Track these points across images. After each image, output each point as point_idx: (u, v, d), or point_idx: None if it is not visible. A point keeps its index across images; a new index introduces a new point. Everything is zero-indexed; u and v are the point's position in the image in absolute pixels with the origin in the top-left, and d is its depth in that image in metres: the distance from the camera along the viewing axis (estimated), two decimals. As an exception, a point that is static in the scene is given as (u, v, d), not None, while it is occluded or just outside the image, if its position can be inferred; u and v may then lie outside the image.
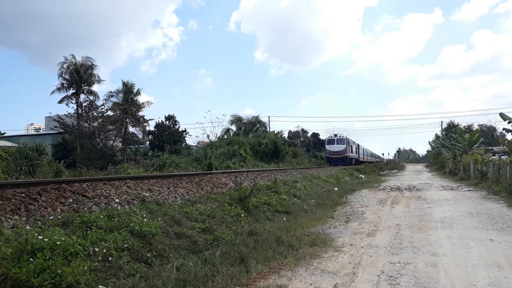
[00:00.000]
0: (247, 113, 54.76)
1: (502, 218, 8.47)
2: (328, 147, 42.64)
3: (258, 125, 47.58)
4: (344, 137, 42.79)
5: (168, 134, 41.40)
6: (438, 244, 6.21)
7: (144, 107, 36.78)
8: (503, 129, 20.50)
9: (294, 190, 12.99)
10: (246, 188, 9.36)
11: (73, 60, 35.15)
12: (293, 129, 72.87)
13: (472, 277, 4.58)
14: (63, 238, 4.09)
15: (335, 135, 43.17)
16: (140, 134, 33.45)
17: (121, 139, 28.86)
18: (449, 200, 12.31)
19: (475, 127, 64.26)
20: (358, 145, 53.55)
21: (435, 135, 57.91)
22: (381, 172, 37.49)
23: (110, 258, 4.32)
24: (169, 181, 9.16)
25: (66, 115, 28.84)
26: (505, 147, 22.54)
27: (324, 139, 48.27)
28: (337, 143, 41.67)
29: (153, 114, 57.25)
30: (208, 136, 38.87)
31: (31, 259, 3.62)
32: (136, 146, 32.92)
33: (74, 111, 29.98)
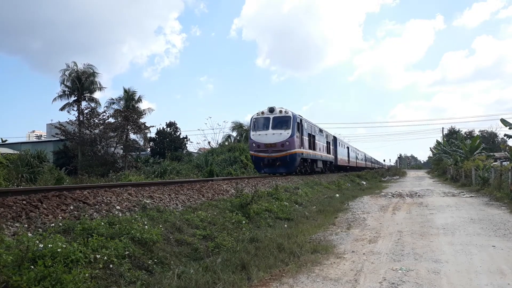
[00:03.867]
0: (248, 119, 47.08)
1: (504, 225, 8.43)
2: (254, 135, 20.02)
3: (259, 132, 47.30)
4: (291, 114, 19.92)
5: (169, 141, 41.47)
6: (440, 251, 6.18)
7: (145, 114, 36.94)
8: (505, 135, 20.52)
9: (295, 197, 12.96)
10: (247, 195, 9.35)
11: (74, 67, 35.33)
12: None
13: (475, 284, 4.55)
14: (64, 246, 4.08)
15: (271, 110, 20.03)
16: (141, 141, 33.54)
17: (122, 146, 28.92)
18: (451, 206, 12.26)
19: (476, 133, 64.29)
20: (336, 139, 33.82)
21: (436, 142, 57.81)
22: (382, 179, 37.40)
23: (111, 266, 4.30)
24: (170, 188, 9.15)
25: (67, 122, 28.94)
26: (506, 153, 22.49)
27: (250, 119, 21.50)
28: (275, 127, 19.69)
29: (154, 121, 57.33)
30: (209, 142, 38.88)
31: (32, 267, 3.61)
32: (137, 153, 32.98)
33: (75, 118, 30.08)
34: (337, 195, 16.33)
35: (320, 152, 25.56)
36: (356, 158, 49.21)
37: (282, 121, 19.26)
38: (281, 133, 18.85)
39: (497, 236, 7.30)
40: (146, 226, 5.60)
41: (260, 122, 19.73)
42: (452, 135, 60.13)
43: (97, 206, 6.21)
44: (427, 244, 6.71)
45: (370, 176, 36.70)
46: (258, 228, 7.93)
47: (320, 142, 25.76)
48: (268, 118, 19.48)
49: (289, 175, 21.57)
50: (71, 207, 5.81)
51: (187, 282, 4.42)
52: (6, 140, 33.97)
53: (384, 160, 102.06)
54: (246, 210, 8.56)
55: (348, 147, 42.13)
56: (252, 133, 19.76)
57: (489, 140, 62.76)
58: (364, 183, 27.58)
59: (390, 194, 17.43)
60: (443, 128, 66.41)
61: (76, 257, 4.01)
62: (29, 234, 4.34)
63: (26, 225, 4.80)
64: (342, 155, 36.73)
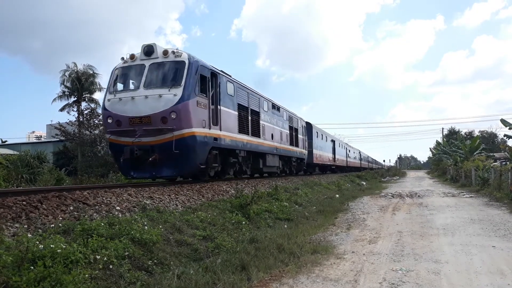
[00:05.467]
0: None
1: (504, 225, 8.44)
2: (112, 101, 10.05)
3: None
4: (187, 58, 9.99)
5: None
6: (440, 251, 6.18)
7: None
8: (504, 135, 20.57)
9: (295, 197, 12.96)
10: (247, 196, 9.34)
11: (74, 68, 35.30)
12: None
13: (475, 284, 4.55)
14: (63, 246, 4.08)
15: (148, 51, 10.14)
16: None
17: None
18: (451, 206, 12.26)
19: (476, 133, 64.31)
20: (312, 127, 25.67)
21: (436, 142, 57.85)
22: (382, 179, 37.39)
23: (111, 266, 4.30)
24: (170, 188, 9.15)
25: (67, 123, 28.91)
26: (506, 153, 22.51)
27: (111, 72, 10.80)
28: (151, 84, 9.88)
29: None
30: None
31: (32, 267, 3.61)
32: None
33: (75, 119, 30.04)
34: (337, 195, 16.32)
35: (274, 141, 16.25)
36: (347, 156, 40.57)
37: (167, 73, 10.02)
38: (161, 95, 9.42)
39: (497, 236, 7.31)
40: (146, 227, 5.60)
41: (127, 76, 10.46)
42: (452, 135, 60.16)
43: (97, 207, 6.21)
44: (427, 245, 6.71)
45: (370, 176, 36.68)
46: (258, 228, 7.93)
47: (275, 126, 16.69)
48: (141, 68, 10.10)
49: (288, 176, 20.42)
50: (71, 208, 5.81)
51: (187, 282, 4.42)
52: (6, 141, 34.02)
53: (384, 161, 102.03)
54: (246, 210, 8.55)
55: (333, 141, 32.97)
56: (108, 97, 10.10)
57: (489, 141, 62.77)
58: (364, 183, 27.57)
59: (390, 194, 17.43)
60: (443, 128, 66.53)
61: (76, 257, 4.01)
62: (29, 235, 4.34)
63: (26, 226, 4.80)
64: (322, 150, 28.14)
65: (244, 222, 7.83)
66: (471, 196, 15.76)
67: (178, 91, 9.52)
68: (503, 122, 20.96)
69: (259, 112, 15.03)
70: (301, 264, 5.47)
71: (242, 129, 13.05)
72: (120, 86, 10.54)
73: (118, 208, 6.49)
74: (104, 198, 6.72)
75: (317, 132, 27.08)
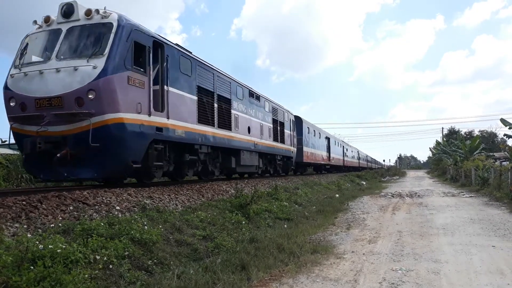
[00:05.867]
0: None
1: (504, 225, 8.44)
2: (16, 76, 7.53)
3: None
4: (117, 19, 7.52)
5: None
6: (440, 251, 6.19)
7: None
8: (504, 135, 20.57)
9: (295, 197, 12.96)
10: (247, 195, 9.34)
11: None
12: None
13: (475, 284, 4.55)
14: (63, 246, 4.08)
15: (68, 11, 7.67)
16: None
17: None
18: (451, 206, 12.27)
19: (476, 133, 64.26)
20: (302, 122, 23.07)
21: (436, 142, 57.83)
22: (382, 179, 37.41)
23: (110, 266, 4.30)
24: (170, 188, 9.15)
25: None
26: (506, 153, 22.52)
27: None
28: (67, 53, 7.44)
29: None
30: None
31: (32, 267, 3.61)
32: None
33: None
34: (337, 195, 16.33)
35: (252, 136, 13.96)
36: (344, 154, 38.26)
37: (88, 39, 7.69)
38: (77, 68, 7.21)
39: (497, 236, 7.31)
40: (145, 227, 5.60)
41: (39, 45, 8.04)
42: (451, 135, 60.15)
43: (96, 207, 6.21)
44: (427, 244, 6.71)
45: (370, 176, 36.69)
46: (257, 228, 7.93)
47: (253, 118, 14.33)
48: (56, 34, 7.84)
49: (288, 176, 19.88)
50: (71, 208, 5.81)
51: (187, 282, 4.42)
52: (6, 141, 34.03)
53: (383, 160, 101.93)
54: (246, 210, 8.55)
55: (328, 138, 30.38)
56: (12, 72, 7.83)
57: (488, 140, 62.72)
58: (364, 183, 27.58)
59: (389, 194, 17.44)
60: (442, 128, 66.43)
61: (76, 257, 4.01)
62: (29, 235, 4.34)
63: (26, 226, 4.80)
64: (315, 147, 25.80)
65: (244, 222, 7.83)
66: (471, 196, 15.77)
67: (100, 62, 7.11)
68: (503, 121, 20.96)
69: (230, 100, 12.17)
70: (301, 264, 5.47)
71: (204, 119, 10.23)
72: (29, 59, 7.83)
73: (118, 208, 6.49)
74: (104, 198, 6.71)
75: (308, 128, 24.31)
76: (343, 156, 37.77)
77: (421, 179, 37.75)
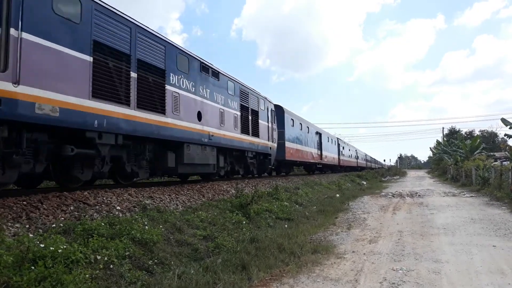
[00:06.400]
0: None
1: (504, 224, 8.43)
2: None
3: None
4: None
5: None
6: (441, 251, 6.18)
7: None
8: (505, 134, 20.54)
9: (296, 197, 12.96)
10: (247, 195, 9.35)
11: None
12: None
13: (475, 284, 4.55)
14: (64, 246, 4.08)
15: None
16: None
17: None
18: (451, 206, 12.26)
19: (477, 133, 64.29)
20: (284, 112, 19.66)
21: (436, 141, 57.81)
22: (382, 179, 37.40)
23: (111, 266, 4.31)
24: (171, 188, 9.16)
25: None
26: (506, 152, 22.51)
27: None
28: None
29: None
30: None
31: (33, 267, 3.62)
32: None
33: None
34: (337, 195, 16.33)
35: (205, 125, 10.73)
36: (340, 153, 35.19)
37: None
38: None
39: (498, 236, 7.30)
40: (146, 227, 5.60)
41: None
42: (452, 135, 60.15)
43: (97, 207, 6.21)
44: (427, 244, 6.71)
45: (370, 176, 36.68)
46: (258, 228, 7.93)
47: (207, 101, 10.99)
48: None
49: (288, 175, 19.35)
50: (72, 208, 5.81)
51: (188, 282, 4.42)
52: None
53: (384, 160, 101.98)
54: (246, 210, 8.56)
55: (319, 133, 27.01)
56: None
57: (489, 140, 62.73)
58: (364, 183, 27.58)
59: (390, 194, 17.43)
60: (443, 128, 66.31)
61: (77, 257, 4.02)
62: (30, 235, 4.34)
63: (27, 226, 4.80)
64: (302, 143, 22.09)
65: (244, 222, 7.83)
66: (472, 196, 15.76)
67: None
68: (504, 121, 20.95)
69: (164, 71, 8.86)
70: (302, 264, 5.47)
71: (107, 93, 7.22)
72: None
73: (118, 208, 6.49)
74: (104, 198, 6.72)
75: (292, 120, 20.61)
76: (339, 154, 34.78)
77: (422, 179, 37.73)
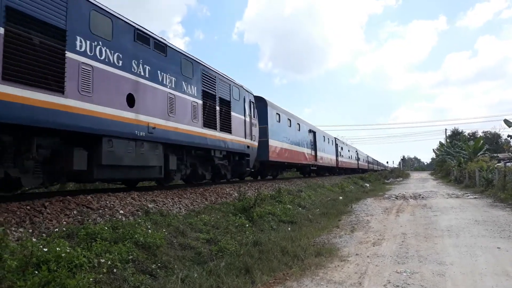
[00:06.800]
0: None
1: (509, 226, 8.39)
2: None
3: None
4: None
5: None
6: (445, 253, 6.15)
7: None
8: (508, 135, 20.46)
9: (299, 200, 12.94)
10: (250, 198, 9.34)
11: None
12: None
13: (480, 286, 4.53)
14: (68, 250, 4.09)
15: None
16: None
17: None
18: (455, 208, 12.21)
19: (480, 134, 64.11)
20: (267, 105, 16.78)
21: (439, 143, 57.68)
22: (385, 181, 37.28)
23: (115, 270, 4.31)
24: (174, 192, 9.16)
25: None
26: (510, 153, 22.42)
27: None
28: None
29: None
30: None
31: (36, 272, 3.62)
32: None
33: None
34: (341, 197, 16.28)
35: (139, 112, 8.09)
36: (338, 154, 32.64)
37: None
38: None
39: (502, 237, 7.26)
40: (149, 230, 5.60)
41: None
42: (455, 136, 60.03)
43: (100, 211, 6.22)
44: (431, 246, 6.67)
45: (373, 178, 36.58)
46: (261, 231, 7.92)
47: (142, 81, 8.27)
48: None
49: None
50: (75, 212, 5.83)
51: (191, 286, 4.42)
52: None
53: (387, 162, 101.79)
54: (249, 213, 8.55)
55: (313, 132, 24.22)
56: None
57: (492, 141, 62.53)
58: (367, 185, 27.50)
59: (393, 196, 17.37)
60: (446, 129, 66.13)
61: (80, 261, 4.02)
62: (33, 239, 4.36)
63: (30, 230, 4.82)
64: (290, 142, 19.13)
65: (247, 225, 7.82)
66: (475, 197, 15.69)
67: None
68: (506, 122, 20.90)
69: (65, 32, 6.38)
70: (305, 267, 5.45)
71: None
72: None
73: (121, 211, 6.50)
74: (107, 202, 6.73)
75: (278, 115, 17.62)
76: (337, 155, 32.07)
77: (425, 180, 37.61)
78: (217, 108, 11.44)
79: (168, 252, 5.45)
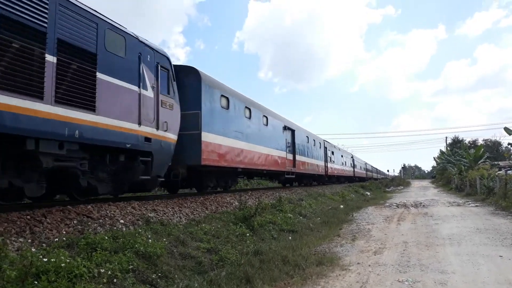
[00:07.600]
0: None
1: (511, 234, 8.36)
2: None
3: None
4: None
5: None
6: (447, 261, 6.12)
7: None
8: (508, 143, 20.47)
9: (299, 208, 12.90)
10: (251, 207, 9.31)
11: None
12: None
13: (483, 295, 4.49)
14: (68, 260, 4.07)
15: None
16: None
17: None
18: (456, 216, 12.16)
19: (480, 142, 64.05)
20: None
21: (440, 151, 57.61)
22: (386, 189, 37.20)
23: (115, 280, 4.28)
24: (174, 201, 9.14)
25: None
26: (510, 161, 22.40)
27: None
28: None
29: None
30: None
31: (36, 282, 3.60)
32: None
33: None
34: (341, 206, 16.23)
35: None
36: (327, 159, 27.76)
37: None
38: None
39: (504, 246, 7.23)
40: (150, 240, 5.58)
41: None
42: (455, 144, 60.01)
43: (100, 220, 6.21)
44: (433, 255, 6.64)
45: (374, 186, 36.50)
46: (262, 240, 7.89)
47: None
48: None
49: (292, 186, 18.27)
50: (75, 222, 5.81)
51: (192, 296, 4.39)
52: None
53: (388, 171, 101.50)
54: (250, 222, 8.52)
55: (289, 128, 18.58)
56: None
57: (493, 149, 62.41)
58: (368, 193, 27.45)
59: (394, 204, 17.32)
60: (446, 137, 66.07)
61: (80, 272, 4.00)
62: (33, 249, 4.34)
63: (30, 240, 4.80)
64: (247, 139, 13.15)
65: (248, 234, 7.79)
66: (477, 205, 15.64)
67: None
68: (507, 130, 20.92)
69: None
70: (306, 276, 5.42)
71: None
72: None
73: (122, 221, 6.48)
74: (108, 212, 6.71)
75: (224, 98, 11.87)
76: (326, 161, 27.10)
77: (426, 189, 37.52)
78: (50, 58, 5.75)
79: (168, 261, 5.42)
